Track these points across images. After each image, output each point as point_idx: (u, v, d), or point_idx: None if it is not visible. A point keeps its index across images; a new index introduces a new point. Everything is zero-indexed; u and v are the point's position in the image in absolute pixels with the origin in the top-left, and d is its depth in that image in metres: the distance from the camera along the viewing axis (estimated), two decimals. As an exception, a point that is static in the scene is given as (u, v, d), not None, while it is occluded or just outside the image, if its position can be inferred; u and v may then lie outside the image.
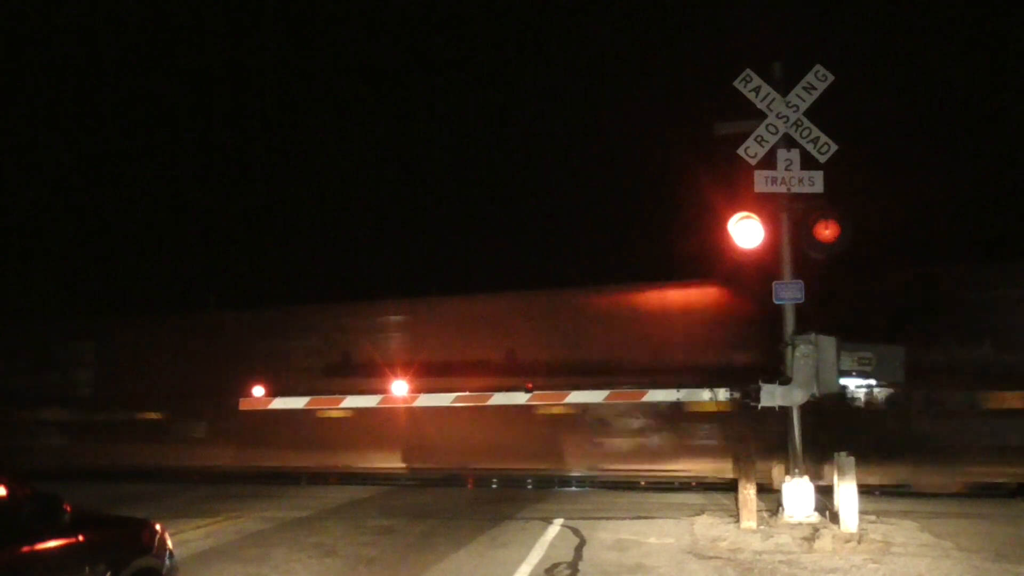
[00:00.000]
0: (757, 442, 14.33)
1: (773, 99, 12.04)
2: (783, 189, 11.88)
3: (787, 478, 11.78)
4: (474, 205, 27.34)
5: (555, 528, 11.93)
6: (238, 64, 29.88)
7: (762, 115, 12.04)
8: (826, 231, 11.66)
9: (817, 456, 12.58)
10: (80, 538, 5.95)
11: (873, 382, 12.82)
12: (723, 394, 12.53)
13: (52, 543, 5.71)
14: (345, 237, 27.07)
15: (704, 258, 14.32)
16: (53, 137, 29.22)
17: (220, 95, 30.87)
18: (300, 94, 30.45)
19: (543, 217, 25.50)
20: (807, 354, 11.47)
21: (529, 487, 16.72)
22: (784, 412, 11.81)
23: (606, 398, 13.66)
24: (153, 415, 20.00)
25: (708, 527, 11.63)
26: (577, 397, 13.88)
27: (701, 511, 12.86)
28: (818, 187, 11.80)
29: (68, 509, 5.91)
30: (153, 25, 31.77)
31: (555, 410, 16.03)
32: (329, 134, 29.16)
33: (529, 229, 25.34)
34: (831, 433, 13.25)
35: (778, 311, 11.96)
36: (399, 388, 14.21)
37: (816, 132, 11.91)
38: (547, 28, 30.08)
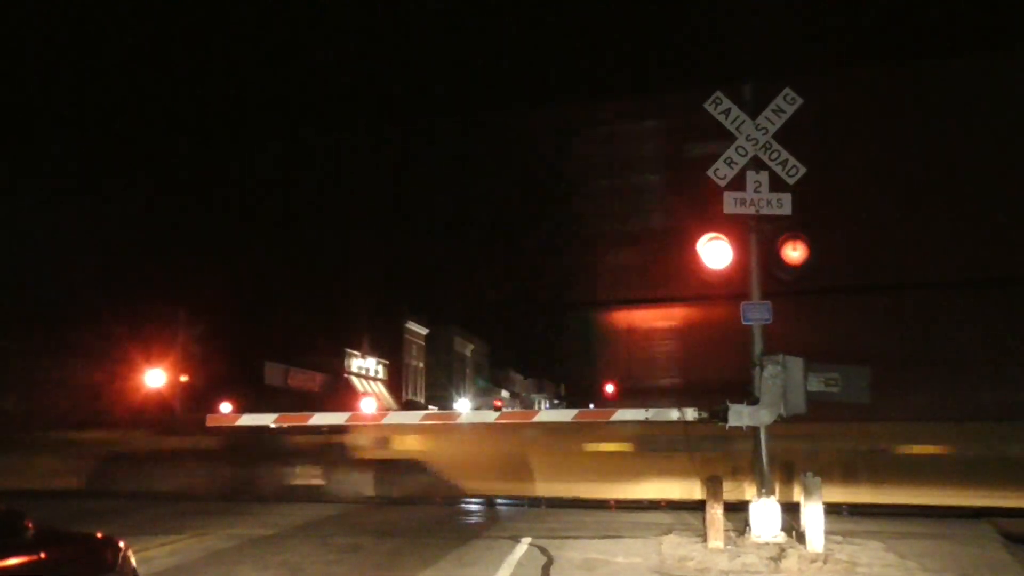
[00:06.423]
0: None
1: (743, 121, 12.14)
2: (752, 211, 11.99)
3: (754, 498, 11.82)
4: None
5: (523, 547, 11.88)
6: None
7: (731, 137, 12.17)
8: (794, 252, 11.79)
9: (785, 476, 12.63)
10: (42, 555, 5.88)
11: None
12: (691, 414, 12.50)
13: (13, 560, 5.63)
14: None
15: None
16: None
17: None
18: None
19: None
20: (775, 374, 11.52)
21: (498, 506, 16.68)
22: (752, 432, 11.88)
23: (574, 417, 13.64)
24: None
25: (675, 546, 11.63)
26: (545, 416, 13.88)
27: (669, 530, 12.86)
28: (786, 209, 11.91)
29: (30, 525, 5.85)
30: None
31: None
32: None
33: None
34: None
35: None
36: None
37: (785, 155, 12.00)
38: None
